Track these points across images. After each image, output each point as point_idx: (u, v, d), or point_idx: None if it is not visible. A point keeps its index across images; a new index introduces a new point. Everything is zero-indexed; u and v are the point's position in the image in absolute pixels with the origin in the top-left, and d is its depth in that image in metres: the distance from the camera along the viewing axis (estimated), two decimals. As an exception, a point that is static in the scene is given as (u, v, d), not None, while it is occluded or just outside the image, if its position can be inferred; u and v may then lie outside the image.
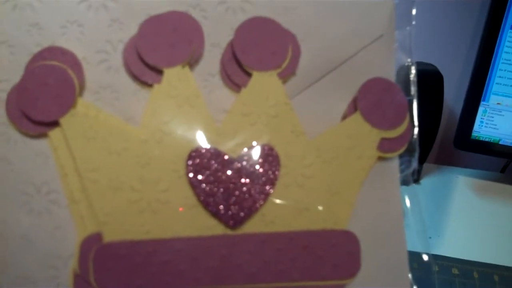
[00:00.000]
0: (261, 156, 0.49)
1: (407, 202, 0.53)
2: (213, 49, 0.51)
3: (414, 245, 0.64)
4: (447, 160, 1.18)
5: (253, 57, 0.50)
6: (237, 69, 0.51)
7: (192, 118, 0.50)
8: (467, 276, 0.82)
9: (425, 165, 1.03)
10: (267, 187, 0.49)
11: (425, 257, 0.54)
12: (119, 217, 0.48)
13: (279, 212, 0.49)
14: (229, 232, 0.49)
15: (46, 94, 0.48)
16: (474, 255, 0.86)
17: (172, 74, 0.50)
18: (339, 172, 0.51)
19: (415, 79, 0.54)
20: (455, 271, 0.83)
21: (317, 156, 0.51)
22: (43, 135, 0.49)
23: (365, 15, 0.53)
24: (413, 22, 0.53)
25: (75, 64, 0.50)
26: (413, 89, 0.53)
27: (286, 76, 0.51)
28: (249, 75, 0.51)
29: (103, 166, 0.49)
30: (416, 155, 0.53)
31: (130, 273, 0.48)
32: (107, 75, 0.50)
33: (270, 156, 0.50)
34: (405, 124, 0.52)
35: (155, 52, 0.49)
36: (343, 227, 0.50)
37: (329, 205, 0.50)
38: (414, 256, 0.52)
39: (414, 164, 0.53)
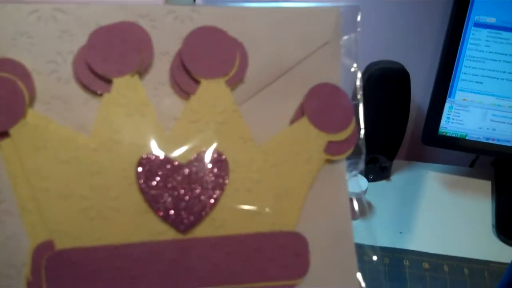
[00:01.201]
0: (210, 162, 0.49)
1: (377, 198, 0.53)
2: (162, 57, 0.51)
3: (384, 240, 0.64)
4: (416, 156, 1.18)
5: (201, 65, 0.50)
6: (186, 77, 0.50)
7: (142, 126, 0.49)
8: (438, 270, 0.83)
9: (395, 161, 1.02)
10: (216, 192, 0.49)
11: (374, 258, 0.54)
12: (70, 225, 0.48)
13: (229, 216, 0.49)
14: (180, 236, 0.48)
15: (-3, 105, 0.48)
16: (444, 249, 0.87)
17: (121, 83, 0.49)
18: (287, 176, 0.51)
19: (361, 84, 0.53)
20: (425, 265, 0.83)
21: (265, 160, 0.50)
22: (-7, 146, 0.49)
23: (311, 22, 0.53)
24: (358, 29, 0.53)
25: (25, 75, 0.49)
26: (359, 94, 0.53)
27: (234, 83, 0.51)
28: (198, 83, 0.50)
29: (53, 175, 0.48)
30: (363, 157, 0.53)
31: (82, 279, 0.47)
32: (57, 85, 0.50)
33: (218, 162, 0.49)
34: (351, 127, 0.52)
35: (104, 62, 0.49)
36: (292, 229, 0.50)
37: (277, 208, 0.50)
38: (385, 251, 0.52)
39: (361, 165, 0.53)
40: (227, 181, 0.49)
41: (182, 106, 0.51)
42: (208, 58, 0.50)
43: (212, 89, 0.50)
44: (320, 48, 0.53)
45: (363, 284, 0.51)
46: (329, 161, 0.52)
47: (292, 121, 0.52)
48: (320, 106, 0.51)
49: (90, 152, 0.48)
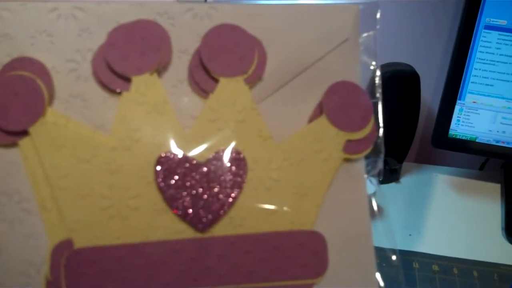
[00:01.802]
0: (228, 161, 0.48)
1: (387, 201, 0.52)
2: (181, 55, 0.51)
3: (394, 242, 0.64)
4: (426, 159, 1.17)
5: (219, 63, 0.49)
6: (204, 75, 0.50)
7: (161, 124, 0.49)
8: (447, 272, 0.81)
9: (404, 164, 1.01)
10: (235, 191, 0.48)
11: (394, 257, 0.53)
12: (90, 224, 0.47)
13: (248, 215, 0.49)
14: (198, 235, 0.48)
15: (16, 104, 0.47)
16: (454, 252, 0.86)
17: (140, 82, 0.49)
18: (305, 175, 0.50)
19: (380, 82, 0.53)
20: (435, 267, 0.82)
21: (284, 159, 0.50)
22: (13, 145, 0.48)
23: (330, 20, 0.52)
24: (377, 26, 0.52)
25: (44, 73, 0.49)
26: (378, 92, 0.52)
27: (252, 81, 0.50)
28: (216, 81, 0.50)
29: (73, 173, 0.48)
30: (382, 156, 0.52)
31: (101, 278, 0.47)
32: (76, 84, 0.49)
33: (237, 160, 0.49)
34: (370, 126, 0.51)
35: (124, 60, 0.48)
36: (310, 228, 0.49)
37: (296, 207, 0.49)
38: (384, 252, 0.51)
39: (380, 164, 0.52)
40: (245, 180, 0.49)
41: (201, 104, 0.50)
42: (227, 56, 0.50)
43: (231, 88, 0.50)
44: (339, 45, 0.52)
45: (381, 284, 0.50)
46: (347, 160, 0.51)
47: (311, 120, 0.51)
48: (339, 104, 0.51)
49: (109, 151, 0.48)
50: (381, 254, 0.52)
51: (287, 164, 0.50)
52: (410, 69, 0.90)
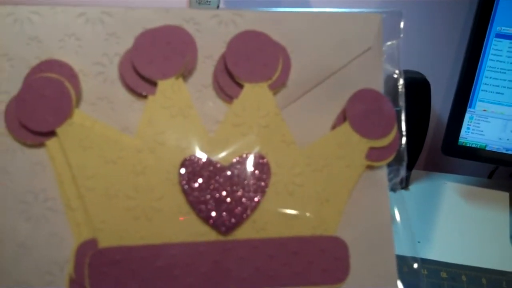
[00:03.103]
0: (252, 165, 0.48)
1: (396, 208, 0.52)
2: (206, 61, 0.50)
3: (403, 249, 0.63)
4: (435, 166, 1.16)
5: (244, 69, 0.49)
6: (229, 80, 0.49)
7: (185, 128, 0.48)
8: (456, 280, 0.80)
9: (413, 171, 1.00)
10: (258, 195, 0.47)
11: (415, 265, 0.52)
12: (115, 224, 0.47)
13: (270, 219, 0.48)
14: (221, 238, 0.47)
15: (44, 105, 0.47)
16: (462, 259, 0.84)
17: (166, 86, 0.48)
18: (328, 181, 0.49)
19: (403, 91, 0.52)
20: (443, 274, 0.81)
21: (307, 164, 0.49)
22: (40, 145, 0.48)
23: (354, 28, 0.51)
24: (401, 35, 0.52)
25: (72, 76, 0.48)
26: (401, 100, 0.52)
27: (277, 87, 0.50)
28: (241, 86, 0.49)
29: (99, 174, 0.47)
30: (404, 164, 0.51)
31: (125, 278, 0.46)
32: (103, 86, 0.49)
33: (260, 165, 0.48)
34: (393, 134, 0.50)
35: (150, 64, 0.48)
36: (332, 234, 0.49)
37: (318, 212, 0.49)
38: (404, 261, 0.50)
39: (402, 172, 0.51)
40: (269, 184, 0.48)
41: (225, 109, 0.49)
42: (252, 62, 0.49)
43: (255, 93, 0.49)
44: (362, 53, 0.51)
45: None
46: (370, 167, 0.51)
47: (334, 126, 0.51)
48: (362, 111, 0.50)
49: (134, 153, 0.48)
50: (402, 262, 0.51)
51: (310, 169, 0.49)
52: (420, 76, 0.89)
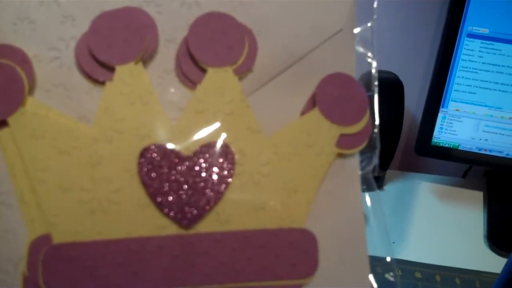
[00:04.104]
0: (216, 154, 0.44)
1: (370, 208, 0.48)
2: (168, 44, 0.46)
3: (377, 250, 0.60)
4: (410, 166, 1.14)
5: (208, 52, 0.45)
6: (192, 65, 0.45)
7: (146, 115, 0.44)
8: (430, 280, 0.80)
9: (388, 171, 0.99)
10: (222, 186, 0.43)
11: (388, 259, 0.48)
12: (69, 218, 0.43)
13: (235, 211, 0.44)
14: (183, 232, 0.43)
15: (-6, 92, 0.42)
16: (436, 259, 0.84)
17: (125, 71, 0.44)
18: (296, 170, 0.45)
19: (376, 75, 0.48)
20: (418, 275, 0.81)
21: (274, 153, 0.45)
22: (-7, 135, 0.43)
23: (324, 9, 0.47)
24: (375, 16, 0.48)
25: (25, 61, 0.44)
26: (374, 84, 0.48)
27: (242, 72, 0.45)
28: (204, 71, 0.45)
29: (52, 166, 0.43)
30: (377, 151, 0.47)
31: (80, 275, 0.42)
32: (59, 73, 0.45)
33: (225, 154, 0.44)
34: (365, 120, 0.46)
35: (107, 48, 0.44)
36: (300, 226, 0.45)
37: (286, 203, 0.45)
38: (378, 261, 0.47)
39: (375, 160, 0.47)
40: (233, 174, 0.44)
41: (188, 95, 0.45)
42: (215, 45, 0.45)
43: (219, 78, 0.45)
44: (333, 36, 0.47)
45: (375, 286, 0.46)
46: (341, 155, 0.47)
47: (303, 113, 0.47)
48: (332, 96, 0.46)
49: (90, 143, 0.44)
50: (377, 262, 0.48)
51: (277, 158, 0.45)
52: (393, 77, 0.89)
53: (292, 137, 0.46)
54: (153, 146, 0.43)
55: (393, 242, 0.87)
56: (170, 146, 0.44)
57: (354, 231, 0.47)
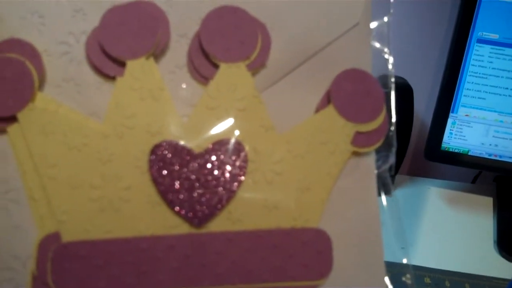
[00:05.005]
0: (228, 152, 0.42)
1: (381, 214, 0.46)
2: (180, 39, 0.44)
3: (387, 255, 0.58)
4: (419, 171, 1.12)
5: (220, 47, 0.42)
6: (204, 60, 0.43)
7: (156, 111, 0.42)
8: (439, 285, 0.77)
9: (397, 176, 0.97)
10: (234, 184, 0.41)
11: (404, 261, 0.47)
12: (79, 216, 0.41)
13: (247, 210, 0.42)
14: (194, 231, 0.41)
15: (3, 88, 0.41)
16: (446, 265, 0.82)
17: (135, 66, 0.42)
18: (310, 168, 0.43)
19: (393, 71, 0.46)
20: (427, 280, 0.78)
21: (287, 151, 0.43)
22: (1, 131, 0.42)
23: (340, 2, 0.45)
24: (391, 10, 0.46)
25: (34, 56, 0.42)
26: (391, 81, 0.46)
27: (255, 67, 0.43)
28: (216, 67, 0.43)
29: (62, 162, 0.41)
30: (394, 150, 0.45)
31: (90, 274, 0.40)
32: (69, 68, 0.43)
33: (237, 151, 0.42)
34: (381, 118, 0.44)
35: (118, 43, 0.42)
36: (314, 225, 0.43)
37: (299, 202, 0.42)
38: (388, 267, 0.44)
39: (392, 159, 0.45)
40: (246, 172, 0.42)
41: (200, 91, 0.43)
42: (228, 40, 0.43)
43: (231, 74, 0.43)
44: (348, 31, 0.45)
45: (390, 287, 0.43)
46: (356, 154, 0.44)
47: (318, 109, 0.44)
48: (348, 93, 0.44)
49: (101, 139, 0.41)
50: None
51: (291, 156, 0.43)
52: (403, 82, 0.87)
53: (306, 134, 0.43)
54: (164, 143, 0.41)
55: (403, 248, 0.84)
56: (181, 143, 0.42)
57: (369, 230, 0.44)
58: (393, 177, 0.88)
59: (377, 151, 0.45)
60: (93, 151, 0.41)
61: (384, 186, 0.46)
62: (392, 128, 0.45)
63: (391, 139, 0.45)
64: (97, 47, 0.42)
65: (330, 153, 0.43)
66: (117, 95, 0.42)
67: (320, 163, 0.43)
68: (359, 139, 0.44)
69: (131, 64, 0.42)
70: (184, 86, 0.43)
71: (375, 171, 0.45)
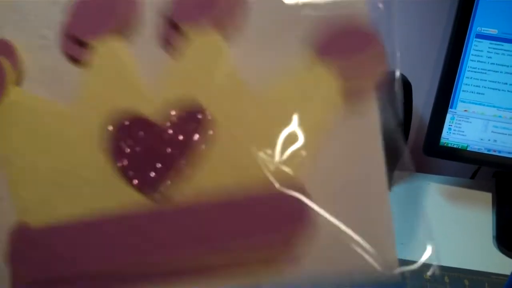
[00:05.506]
0: (192, 120, 0.40)
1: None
2: (154, 16, 0.42)
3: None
4: (418, 167, 1.10)
5: (186, 9, 0.41)
6: (175, 33, 0.41)
7: (121, 87, 0.41)
8: (438, 281, 0.77)
9: (396, 172, 0.96)
10: (195, 150, 0.39)
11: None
12: (40, 200, 0.41)
13: (214, 177, 0.39)
14: (156, 205, 0.40)
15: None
16: (445, 260, 0.81)
17: (102, 47, 0.42)
18: (296, 126, 0.39)
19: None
20: (426, 276, 0.77)
21: (264, 112, 0.40)
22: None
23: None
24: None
25: (10, 52, 0.43)
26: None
27: (222, 26, 0.41)
28: (187, 37, 0.41)
29: (22, 148, 0.42)
30: (400, 104, 0.41)
31: (49, 260, 0.40)
32: (45, 58, 0.43)
33: (199, 119, 0.40)
34: (373, 56, 0.41)
35: (80, 23, 0.42)
36: (297, 181, 0.39)
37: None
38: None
39: (400, 115, 0.41)
40: (208, 139, 0.39)
41: (171, 64, 0.42)
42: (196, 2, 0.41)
43: (203, 44, 0.41)
44: None
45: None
46: (356, 113, 0.40)
47: (297, 64, 0.40)
48: (329, 35, 0.40)
49: (62, 121, 0.42)
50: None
51: (267, 117, 0.40)
52: (401, 77, 0.85)
53: (286, 92, 0.40)
54: (125, 115, 0.40)
55: (402, 244, 0.83)
56: (142, 114, 0.40)
57: (374, 192, 0.44)
58: (391, 173, 0.88)
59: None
60: (54, 134, 0.41)
61: (392, 144, 0.43)
62: (397, 75, 0.44)
63: (395, 94, 0.42)
64: (64, 32, 0.42)
65: (314, 108, 0.40)
66: (85, 77, 0.42)
67: (305, 119, 0.39)
68: (350, 89, 0.40)
69: (97, 45, 0.42)
70: (154, 60, 0.42)
71: (379, 130, 0.41)
